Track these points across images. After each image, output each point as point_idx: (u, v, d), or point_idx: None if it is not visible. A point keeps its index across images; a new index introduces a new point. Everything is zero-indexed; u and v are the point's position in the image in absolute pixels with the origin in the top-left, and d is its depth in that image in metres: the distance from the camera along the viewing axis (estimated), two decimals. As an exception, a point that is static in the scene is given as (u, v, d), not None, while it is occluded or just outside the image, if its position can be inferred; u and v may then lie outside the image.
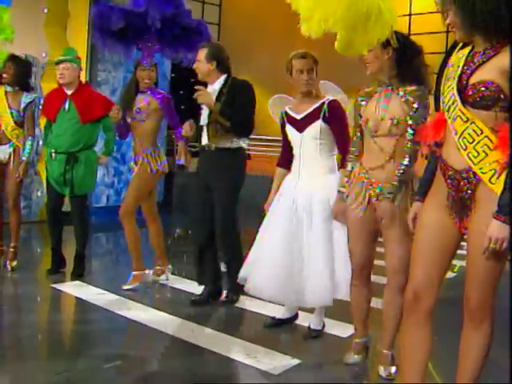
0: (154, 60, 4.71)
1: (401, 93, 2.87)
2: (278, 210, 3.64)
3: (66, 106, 4.90)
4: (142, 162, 4.64)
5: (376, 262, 3.16)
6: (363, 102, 3.06)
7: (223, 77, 4.25)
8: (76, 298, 4.47)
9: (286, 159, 3.78)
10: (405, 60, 2.90)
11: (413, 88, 2.86)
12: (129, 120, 4.71)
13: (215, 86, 4.22)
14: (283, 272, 3.51)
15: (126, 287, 4.62)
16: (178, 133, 4.72)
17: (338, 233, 3.46)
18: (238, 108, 4.08)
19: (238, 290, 4.15)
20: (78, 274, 5.00)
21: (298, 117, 3.64)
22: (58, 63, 4.91)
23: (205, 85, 4.25)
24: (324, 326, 3.79)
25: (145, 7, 4.53)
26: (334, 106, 3.60)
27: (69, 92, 4.92)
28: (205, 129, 4.20)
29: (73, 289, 4.66)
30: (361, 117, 3.04)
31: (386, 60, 2.91)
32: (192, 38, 4.79)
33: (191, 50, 4.76)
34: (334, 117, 3.57)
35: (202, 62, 4.23)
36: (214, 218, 4.25)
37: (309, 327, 3.75)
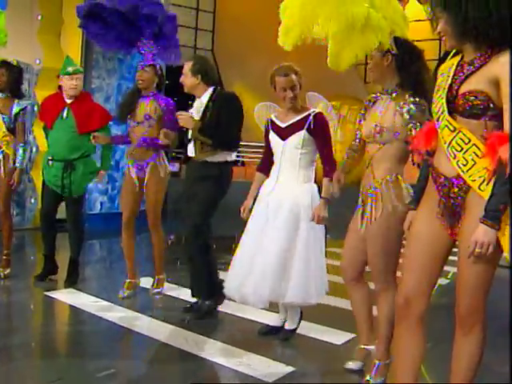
0: (150, 61, 4.67)
1: (399, 104, 2.87)
2: (255, 217, 3.70)
3: (65, 114, 4.89)
4: (154, 165, 4.63)
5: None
6: (368, 107, 3.08)
7: (210, 89, 4.20)
8: (69, 305, 4.46)
9: (267, 165, 3.84)
10: (404, 66, 2.90)
11: (411, 99, 2.86)
12: (133, 124, 4.66)
13: (203, 100, 4.19)
14: (246, 272, 3.56)
15: (156, 291, 4.78)
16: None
17: (300, 240, 3.52)
18: (222, 124, 4.03)
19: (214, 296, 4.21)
20: (72, 282, 4.98)
21: (283, 125, 3.69)
22: (69, 74, 4.86)
23: (193, 97, 4.26)
24: (297, 326, 3.82)
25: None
26: (320, 118, 3.66)
27: (68, 101, 4.91)
28: (192, 142, 4.17)
29: (66, 296, 4.64)
30: (361, 121, 3.08)
31: (386, 67, 2.93)
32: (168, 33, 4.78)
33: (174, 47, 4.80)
34: (318, 129, 3.62)
35: (187, 76, 4.19)
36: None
37: (284, 329, 3.81)
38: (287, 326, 3.82)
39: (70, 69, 4.89)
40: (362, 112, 3.11)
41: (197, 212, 4.10)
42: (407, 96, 2.87)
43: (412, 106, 2.84)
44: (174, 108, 4.68)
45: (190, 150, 4.20)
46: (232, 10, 15.83)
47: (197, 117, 4.14)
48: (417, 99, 2.84)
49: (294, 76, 3.62)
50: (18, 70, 5.26)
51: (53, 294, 4.67)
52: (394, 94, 2.92)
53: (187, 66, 4.20)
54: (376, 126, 2.89)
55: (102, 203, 9.16)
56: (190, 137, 4.17)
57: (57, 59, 8.02)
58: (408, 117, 2.83)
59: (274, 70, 3.66)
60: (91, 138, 4.63)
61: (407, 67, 2.90)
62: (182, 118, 4.06)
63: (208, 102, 4.17)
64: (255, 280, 3.49)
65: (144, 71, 4.63)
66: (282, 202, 3.58)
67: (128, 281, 4.76)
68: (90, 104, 5.08)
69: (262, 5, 16.10)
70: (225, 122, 4.05)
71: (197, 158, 4.16)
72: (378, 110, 2.96)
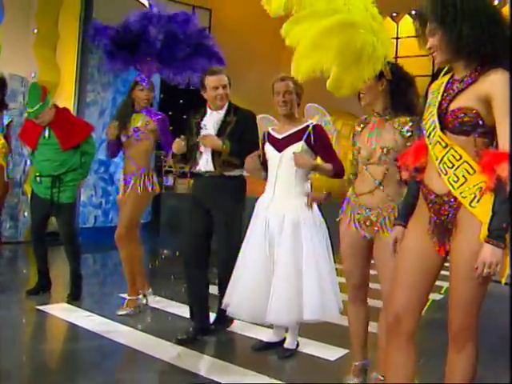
0: (152, 80, 4.74)
1: (395, 124, 2.91)
2: (253, 231, 3.67)
3: (46, 134, 4.90)
4: (135, 181, 4.62)
5: (372, 285, 3.15)
6: (358, 129, 3.09)
7: (227, 103, 4.11)
8: (62, 320, 4.42)
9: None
10: (398, 91, 2.94)
11: (407, 119, 2.90)
12: (123, 139, 4.68)
13: (221, 113, 4.06)
14: (257, 291, 3.52)
15: (120, 313, 4.57)
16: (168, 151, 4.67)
17: (307, 256, 3.49)
18: (247, 143, 3.92)
19: (226, 319, 4.09)
20: (75, 297, 4.97)
21: (279, 136, 3.68)
22: (31, 118, 4.86)
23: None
24: (298, 345, 3.81)
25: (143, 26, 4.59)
26: (319, 129, 3.65)
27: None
28: (205, 156, 4.03)
29: (59, 311, 4.61)
30: (355, 144, 3.09)
31: (381, 91, 2.96)
32: (203, 58, 4.84)
33: (197, 71, 4.80)
34: (320, 141, 3.62)
35: (227, 88, 4.06)
36: (209, 240, 4.10)
37: (282, 347, 3.78)
38: (287, 345, 3.78)
39: (27, 112, 4.84)
40: (355, 134, 3.12)
41: (231, 229, 3.96)
42: (402, 118, 2.91)
43: (411, 124, 2.88)
44: (167, 122, 4.73)
45: (207, 165, 4.03)
46: (227, 25, 15.93)
47: (212, 129, 4.03)
48: (414, 118, 2.87)
49: (290, 82, 3.62)
50: (2, 82, 5.23)
51: (45, 309, 4.64)
52: (387, 117, 2.95)
53: (225, 78, 4.06)
54: (382, 148, 2.90)
55: (95, 217, 9.14)
56: (202, 149, 4.04)
57: (52, 73, 8.06)
58: (408, 136, 2.86)
59: (274, 79, 3.69)
60: (107, 130, 4.62)
61: (401, 93, 2.94)
62: (209, 139, 3.92)
63: (226, 116, 4.05)
64: (274, 306, 3.44)
65: (150, 91, 4.68)
66: (282, 220, 3.54)
67: (142, 293, 4.80)
68: (69, 120, 5.08)
69: (257, 20, 16.17)
70: (249, 141, 3.94)
71: (217, 172, 4.00)
72: (374, 133, 2.97)
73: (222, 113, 4.07)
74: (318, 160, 3.69)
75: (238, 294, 3.60)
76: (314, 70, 2.67)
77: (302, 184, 3.64)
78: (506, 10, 2.40)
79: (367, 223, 2.95)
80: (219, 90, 4.01)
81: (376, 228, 2.91)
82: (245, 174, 4.17)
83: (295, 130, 3.64)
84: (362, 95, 3.02)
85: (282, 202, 3.60)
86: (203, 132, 4.05)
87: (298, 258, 3.49)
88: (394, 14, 14.83)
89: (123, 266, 4.71)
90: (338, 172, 3.61)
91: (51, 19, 8.44)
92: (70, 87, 8.55)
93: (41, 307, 4.67)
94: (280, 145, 3.65)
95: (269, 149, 3.71)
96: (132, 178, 4.63)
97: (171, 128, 4.86)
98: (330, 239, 3.63)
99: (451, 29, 2.15)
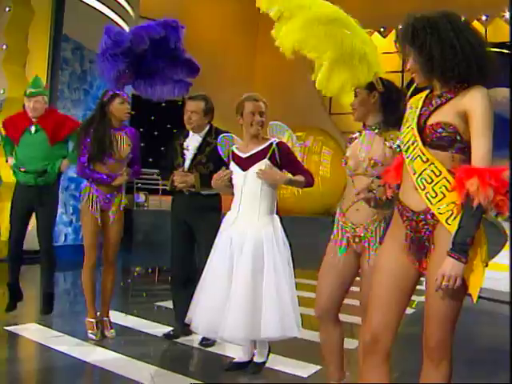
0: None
1: (386, 138, 2.94)
2: (217, 248, 3.66)
3: (33, 129, 4.85)
4: (119, 202, 4.54)
5: (347, 301, 3.09)
6: (350, 140, 3.12)
7: (208, 125, 4.39)
8: (32, 341, 4.34)
9: None
10: (389, 104, 2.98)
11: (397, 134, 2.91)
12: (109, 161, 4.38)
13: (201, 134, 4.35)
14: (214, 308, 3.50)
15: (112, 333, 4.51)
16: (134, 169, 4.60)
17: (267, 275, 3.46)
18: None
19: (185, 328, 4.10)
20: (46, 312, 4.87)
21: (244, 156, 3.67)
22: (30, 96, 4.84)
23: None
24: (266, 359, 3.78)
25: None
26: (283, 146, 3.67)
27: (34, 119, 4.87)
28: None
29: (29, 331, 4.52)
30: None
31: (373, 104, 3.00)
32: (175, 70, 4.68)
33: (168, 84, 4.68)
34: (286, 158, 3.63)
35: (199, 115, 4.31)
36: (194, 257, 4.30)
37: (253, 362, 3.77)
38: (256, 359, 3.77)
39: (28, 90, 4.89)
40: (347, 146, 3.15)
41: (209, 244, 3.87)
42: (392, 132, 2.93)
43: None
44: (139, 137, 4.64)
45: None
46: (200, 43, 16.02)
47: (192, 150, 4.31)
48: None
49: (262, 103, 3.67)
50: None
51: (14, 329, 4.55)
52: (377, 130, 2.98)
53: (198, 105, 4.31)
54: (369, 159, 2.92)
55: (66, 235, 9.02)
56: (185, 170, 4.30)
57: (22, 89, 7.92)
58: (398, 150, 2.88)
59: (243, 97, 3.69)
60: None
61: (392, 106, 2.97)
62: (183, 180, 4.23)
63: (206, 136, 4.34)
64: (229, 323, 3.40)
65: (129, 103, 4.55)
66: (245, 238, 3.52)
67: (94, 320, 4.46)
68: (56, 115, 5.09)
69: (230, 39, 16.35)
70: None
71: (196, 190, 4.25)
72: (363, 145, 2.99)
73: (202, 134, 4.35)
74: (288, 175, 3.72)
75: (197, 309, 3.59)
76: (297, 49, 2.76)
77: (267, 203, 3.61)
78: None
79: (356, 240, 2.94)
80: (192, 113, 4.28)
81: (366, 245, 2.90)
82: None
83: (259, 148, 3.64)
84: (353, 109, 3.04)
85: (246, 220, 3.58)
86: (186, 154, 4.34)
87: (257, 276, 3.45)
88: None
89: (109, 288, 4.56)
90: (309, 182, 3.68)
91: (21, 35, 8.37)
92: (40, 104, 8.46)
93: (10, 328, 4.57)
94: (244, 164, 3.64)
95: (234, 168, 3.70)
96: (115, 197, 4.50)
97: (142, 144, 4.78)
98: (293, 257, 3.62)
99: (421, 52, 2.21)
